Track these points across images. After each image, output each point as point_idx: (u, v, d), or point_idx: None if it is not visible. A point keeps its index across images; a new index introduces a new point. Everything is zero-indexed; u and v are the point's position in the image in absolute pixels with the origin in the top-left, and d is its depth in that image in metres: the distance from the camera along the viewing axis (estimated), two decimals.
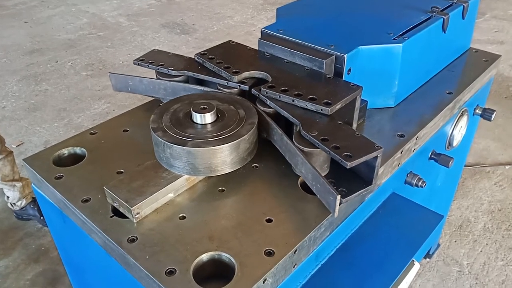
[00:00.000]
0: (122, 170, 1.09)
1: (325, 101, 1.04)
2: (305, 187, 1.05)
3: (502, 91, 3.73)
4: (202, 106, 1.04)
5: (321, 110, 1.02)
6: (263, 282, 0.84)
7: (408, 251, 1.06)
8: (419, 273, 2.19)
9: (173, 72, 1.24)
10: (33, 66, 4.25)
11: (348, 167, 0.91)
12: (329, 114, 1.02)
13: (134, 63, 1.32)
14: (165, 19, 5.29)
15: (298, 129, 1.02)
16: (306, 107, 1.05)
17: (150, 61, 1.29)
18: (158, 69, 1.26)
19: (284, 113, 1.05)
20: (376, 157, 0.95)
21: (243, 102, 1.12)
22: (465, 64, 1.59)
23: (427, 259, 2.26)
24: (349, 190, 0.98)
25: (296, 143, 0.99)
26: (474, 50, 1.67)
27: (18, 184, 2.46)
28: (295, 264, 0.93)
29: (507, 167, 2.89)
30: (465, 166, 2.89)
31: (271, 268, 0.85)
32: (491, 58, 1.63)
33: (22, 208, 2.51)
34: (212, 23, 5.20)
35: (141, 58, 1.31)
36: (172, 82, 1.23)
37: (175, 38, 4.80)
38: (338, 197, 0.89)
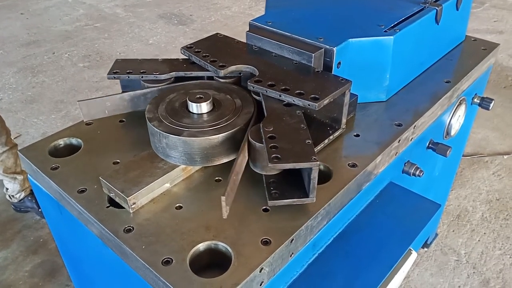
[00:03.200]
0: (118, 161, 1.08)
1: (312, 96, 1.02)
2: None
3: (501, 81, 3.72)
4: (198, 96, 1.03)
5: (308, 105, 1.00)
6: (260, 271, 0.84)
7: (405, 240, 1.06)
8: (417, 263, 2.20)
9: (162, 77, 1.17)
10: (30, 57, 4.23)
11: (256, 167, 0.92)
12: (317, 109, 1.00)
13: (109, 78, 1.18)
14: (162, 9, 5.26)
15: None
16: (293, 102, 1.03)
17: (127, 71, 1.18)
18: (142, 77, 1.17)
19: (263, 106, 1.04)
20: (311, 170, 0.89)
21: (240, 91, 1.11)
22: (463, 53, 1.58)
23: (425, 249, 2.26)
24: (283, 195, 0.94)
25: (250, 136, 0.96)
26: (472, 39, 1.66)
27: (20, 177, 2.46)
28: (292, 253, 0.93)
29: (505, 156, 2.90)
30: (464, 156, 2.89)
31: (267, 257, 0.85)
32: (490, 47, 1.62)
33: (20, 200, 2.51)
34: (210, 13, 5.16)
35: (114, 71, 1.19)
36: (166, 86, 1.16)
37: (173, 29, 4.77)
38: (222, 198, 0.84)
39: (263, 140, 0.92)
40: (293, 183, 0.95)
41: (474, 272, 2.16)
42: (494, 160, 2.87)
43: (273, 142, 0.91)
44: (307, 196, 0.92)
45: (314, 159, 0.87)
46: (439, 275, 2.15)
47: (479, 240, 2.33)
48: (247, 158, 0.97)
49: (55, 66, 4.07)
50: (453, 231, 2.38)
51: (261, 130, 0.95)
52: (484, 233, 2.37)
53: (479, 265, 2.20)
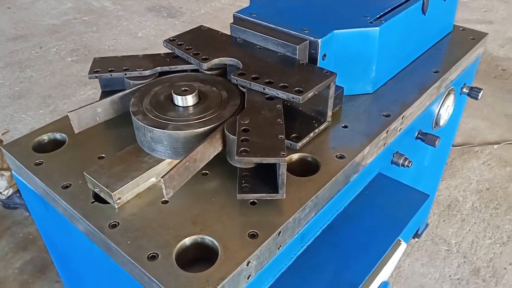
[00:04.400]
0: (103, 155, 1.06)
1: (296, 89, 1.00)
2: (290, 169, 1.04)
3: (491, 71, 3.73)
4: (183, 88, 1.01)
5: (292, 98, 0.99)
6: (247, 265, 0.83)
7: (393, 231, 1.06)
8: (408, 253, 2.21)
9: (146, 72, 1.14)
10: (17, 52, 4.17)
11: (231, 160, 0.92)
12: (301, 102, 0.99)
13: (90, 77, 1.15)
14: (151, 2, 5.20)
15: None
16: (277, 95, 1.02)
17: (109, 69, 1.15)
18: (125, 74, 1.14)
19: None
20: (279, 166, 0.88)
21: (226, 83, 1.09)
22: (451, 43, 1.58)
23: (416, 239, 2.27)
24: (253, 189, 0.92)
25: (226, 128, 0.95)
26: (461, 29, 1.65)
27: (6, 173, 2.43)
28: (280, 246, 0.92)
29: (495, 146, 2.91)
30: (454, 146, 2.90)
31: (254, 251, 0.84)
32: (478, 36, 1.61)
33: (8, 197, 2.48)
34: (199, 5, 5.12)
35: (95, 70, 1.16)
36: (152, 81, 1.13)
37: (162, 22, 4.73)
38: (161, 179, 0.82)
39: (235, 133, 0.91)
40: (266, 178, 0.94)
41: (464, 261, 2.18)
42: (484, 149, 2.88)
43: (245, 135, 0.90)
44: (277, 192, 0.91)
45: (283, 154, 0.86)
46: (430, 265, 2.16)
47: (469, 230, 2.34)
48: (218, 148, 0.95)
49: (43, 61, 4.02)
50: (444, 221, 2.39)
51: (237, 123, 0.94)
52: (475, 223, 2.38)
53: (470, 254, 2.21)
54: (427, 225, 2.33)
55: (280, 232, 0.89)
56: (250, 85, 1.04)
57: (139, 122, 0.96)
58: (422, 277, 2.11)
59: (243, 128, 0.92)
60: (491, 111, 3.24)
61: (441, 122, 1.54)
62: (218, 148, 0.95)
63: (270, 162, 0.86)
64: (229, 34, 1.26)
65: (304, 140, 1.09)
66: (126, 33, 4.50)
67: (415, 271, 2.14)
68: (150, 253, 0.84)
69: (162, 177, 0.81)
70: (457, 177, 2.67)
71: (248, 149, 0.86)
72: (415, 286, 2.07)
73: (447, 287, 2.06)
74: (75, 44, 4.29)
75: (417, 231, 2.24)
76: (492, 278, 2.11)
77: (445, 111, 1.52)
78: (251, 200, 0.95)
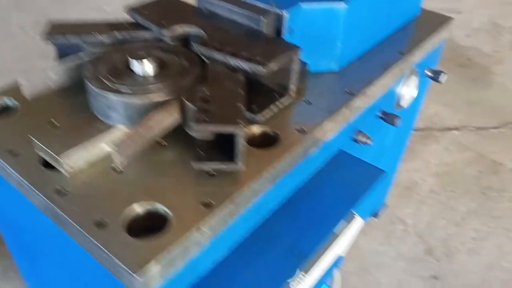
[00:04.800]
0: (55, 122, 1.02)
1: (260, 60, 0.99)
2: (249, 140, 1.03)
3: (456, 59, 3.81)
4: (141, 54, 0.98)
5: (255, 69, 0.97)
6: (199, 232, 0.82)
7: (348, 204, 1.07)
8: (366, 232, 2.26)
9: (105, 40, 1.09)
10: None
11: (189, 130, 0.91)
12: (264, 73, 0.97)
13: (45, 40, 1.08)
14: None
15: None
16: (239, 66, 1.00)
17: (65, 34, 1.08)
18: (82, 40, 1.08)
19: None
20: (237, 135, 0.86)
21: (188, 53, 1.06)
22: (417, 26, 1.59)
23: (374, 218, 2.32)
24: (209, 159, 0.91)
25: (184, 96, 0.92)
26: (427, 12, 1.66)
27: None
28: (235, 215, 0.91)
29: (455, 131, 2.99)
30: (415, 130, 2.97)
31: (207, 219, 0.83)
32: (444, 21, 1.63)
33: None
34: None
35: (50, 33, 1.09)
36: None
37: None
38: (113, 146, 0.81)
39: (195, 101, 0.89)
40: (224, 149, 0.92)
41: (419, 241, 2.25)
42: (445, 134, 2.96)
43: (204, 103, 0.88)
44: (234, 162, 0.89)
45: (240, 124, 0.84)
46: (386, 244, 2.22)
47: (426, 211, 2.41)
48: (177, 118, 0.93)
49: (5, 34, 3.83)
50: (402, 202, 2.45)
51: (196, 92, 0.91)
52: (431, 204, 2.45)
53: (425, 234, 2.28)
54: (386, 205, 2.39)
55: (235, 201, 0.89)
56: (212, 55, 1.01)
57: (93, 87, 0.92)
58: (378, 255, 2.16)
59: (202, 97, 0.90)
60: (453, 98, 3.32)
61: (404, 104, 1.56)
62: (177, 117, 0.93)
63: (228, 131, 0.85)
64: (196, 5, 1.22)
65: (266, 113, 1.07)
66: (93, 8, 4.33)
67: (373, 249, 2.19)
68: (99, 221, 0.81)
69: (114, 144, 0.78)
70: (417, 160, 2.74)
71: (206, 118, 0.84)
72: (372, 263, 2.12)
73: (402, 264, 2.13)
74: (38, 18, 4.10)
75: (376, 211, 2.28)
76: (445, 257, 2.19)
77: (408, 92, 1.54)
78: (209, 171, 0.93)
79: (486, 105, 3.25)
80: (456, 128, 3.01)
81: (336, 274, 1.51)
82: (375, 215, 2.31)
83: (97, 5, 4.38)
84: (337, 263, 1.23)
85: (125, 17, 1.17)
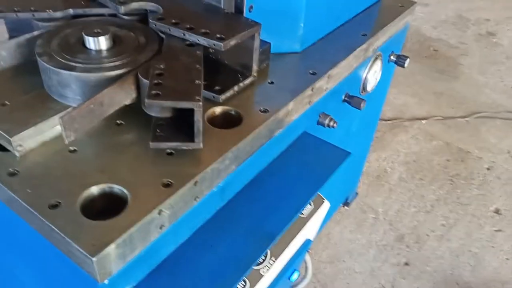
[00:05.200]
0: (6, 102, 0.97)
1: (218, 36, 0.96)
2: (211, 121, 1.00)
3: (423, 51, 3.87)
4: (95, 30, 0.94)
5: (214, 45, 0.95)
6: (159, 214, 0.79)
7: (314, 185, 1.06)
8: (337, 220, 2.26)
9: (57, 14, 1.04)
10: None
11: (146, 108, 0.90)
12: (223, 49, 0.95)
13: None
14: None
15: None
16: (197, 41, 0.97)
17: (15, 10, 1.03)
18: (33, 15, 1.04)
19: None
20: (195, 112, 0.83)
21: (145, 29, 1.03)
22: (381, 10, 1.59)
23: (346, 207, 2.33)
24: (167, 138, 0.88)
25: (139, 73, 0.90)
26: None
27: None
28: (197, 197, 0.88)
29: (423, 121, 3.03)
30: (384, 120, 3.00)
31: (167, 199, 0.80)
32: (407, 4, 1.64)
33: None
34: None
35: None
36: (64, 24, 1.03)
37: None
38: (59, 120, 0.77)
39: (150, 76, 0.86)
40: (183, 128, 0.89)
41: (390, 228, 2.27)
42: (413, 124, 3.00)
43: (159, 78, 0.85)
44: (193, 140, 0.87)
45: (197, 99, 0.81)
46: (357, 232, 2.23)
47: (396, 199, 2.43)
48: (131, 94, 0.90)
49: None
50: (372, 190, 2.47)
51: (151, 67, 0.88)
52: (401, 192, 2.48)
53: (395, 221, 2.30)
54: (356, 194, 2.40)
55: (196, 182, 0.86)
56: (169, 30, 0.98)
57: (45, 63, 0.88)
58: (350, 243, 2.17)
59: (157, 72, 0.87)
60: (420, 89, 3.37)
61: (369, 87, 1.56)
62: (131, 94, 0.89)
63: (184, 107, 0.82)
64: None
65: (228, 93, 1.05)
66: None
67: (344, 237, 2.19)
68: (52, 202, 0.77)
69: (60, 118, 0.74)
70: (387, 150, 2.76)
71: (160, 93, 0.81)
72: (343, 251, 2.13)
73: (373, 252, 2.14)
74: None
75: (346, 199, 2.29)
76: (415, 244, 2.21)
77: (373, 76, 1.54)
78: (168, 151, 0.90)
79: (453, 96, 3.31)
80: (424, 118, 3.06)
81: (308, 260, 1.50)
82: (346, 203, 2.32)
83: None
84: (306, 247, 1.22)
85: None
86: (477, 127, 3.02)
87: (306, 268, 1.55)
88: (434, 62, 3.72)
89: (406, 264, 2.11)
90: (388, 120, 3.00)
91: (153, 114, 0.92)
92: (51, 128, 0.89)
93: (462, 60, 3.76)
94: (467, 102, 3.26)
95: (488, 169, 2.69)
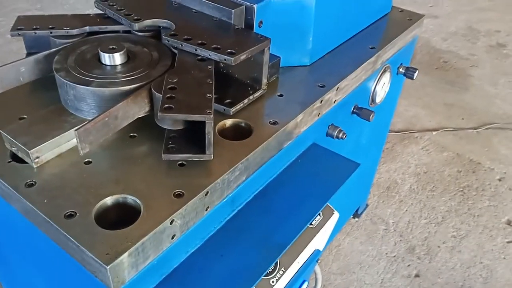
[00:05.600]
0: (25, 116, 1.01)
1: (229, 51, 0.99)
2: (222, 133, 1.03)
3: (433, 62, 3.87)
4: (110, 46, 0.97)
5: (225, 60, 0.98)
6: (171, 223, 0.82)
7: (323, 196, 1.07)
8: (347, 232, 2.26)
9: (74, 31, 1.09)
10: None
11: (159, 121, 0.94)
12: (233, 64, 0.97)
13: (13, 35, 1.10)
14: None
15: None
16: (209, 56, 1.00)
17: (34, 27, 1.09)
18: (51, 33, 1.08)
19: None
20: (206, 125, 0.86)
21: (158, 45, 1.06)
22: (389, 23, 1.61)
23: (356, 219, 2.33)
24: (179, 150, 0.91)
25: (153, 87, 0.93)
26: (399, 10, 1.69)
27: None
28: (208, 207, 0.90)
29: (434, 133, 3.03)
30: (395, 132, 3.00)
31: (179, 209, 0.82)
32: (415, 18, 1.66)
33: None
34: None
35: (18, 27, 1.10)
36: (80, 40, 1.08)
37: None
38: (75, 132, 0.81)
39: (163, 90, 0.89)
40: (194, 140, 0.92)
41: (401, 240, 2.26)
42: (423, 136, 2.99)
43: (172, 92, 0.88)
44: (204, 152, 0.89)
45: (208, 112, 0.84)
46: (368, 243, 2.22)
47: (406, 210, 2.43)
48: (145, 108, 0.93)
49: None
50: (383, 202, 2.46)
51: (164, 81, 0.91)
52: (412, 204, 2.47)
53: (406, 233, 2.30)
54: (367, 205, 2.40)
55: (207, 193, 0.88)
56: (182, 46, 1.01)
57: (62, 79, 0.92)
58: (360, 255, 2.16)
59: (170, 86, 0.90)
60: (431, 100, 3.37)
61: (377, 99, 1.58)
62: (144, 107, 0.92)
63: (195, 120, 0.84)
64: None
65: (238, 106, 1.08)
66: (73, 11, 4.31)
67: (354, 249, 2.19)
68: (68, 212, 0.80)
69: (76, 130, 0.77)
70: (397, 161, 2.76)
71: (173, 106, 0.84)
72: (353, 263, 2.12)
73: (383, 264, 2.13)
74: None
75: (357, 210, 2.29)
76: (426, 255, 2.20)
77: (381, 88, 1.56)
78: (179, 162, 0.92)
79: (464, 107, 3.30)
80: (435, 129, 3.05)
81: (318, 271, 1.50)
82: (356, 215, 2.32)
83: (76, 8, 4.36)
84: (315, 257, 1.23)
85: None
86: (488, 138, 3.00)
87: (316, 279, 1.55)
88: (444, 74, 3.72)
89: (417, 276, 2.10)
90: (399, 132, 3.00)
91: (165, 126, 0.95)
92: (67, 140, 0.92)
93: (472, 72, 3.75)
94: (478, 113, 3.25)
95: (499, 180, 2.67)
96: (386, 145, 2.87)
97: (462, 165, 2.77)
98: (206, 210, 0.91)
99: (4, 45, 3.70)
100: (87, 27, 1.09)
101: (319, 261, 2.05)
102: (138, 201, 0.83)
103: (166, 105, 0.84)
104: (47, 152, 0.89)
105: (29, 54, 1.15)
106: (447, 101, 3.37)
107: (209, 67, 0.98)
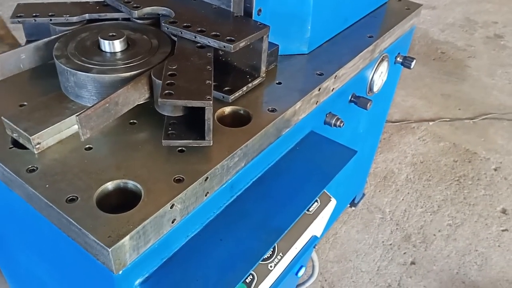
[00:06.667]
0: (25, 103, 1.01)
1: (228, 38, 1.00)
2: (221, 120, 1.04)
3: (431, 53, 3.88)
4: (110, 34, 0.98)
5: (224, 47, 0.99)
6: (171, 208, 0.83)
7: (321, 183, 1.08)
8: (344, 221, 2.28)
9: (74, 19, 1.09)
10: None
11: (159, 108, 0.94)
12: (232, 51, 0.98)
13: (13, 22, 1.10)
14: None
15: None
16: (208, 43, 1.01)
17: (33, 15, 1.10)
18: (51, 20, 1.09)
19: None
20: (204, 110, 0.87)
21: (158, 32, 1.07)
22: (387, 12, 1.62)
23: (353, 208, 2.35)
24: (179, 136, 0.92)
25: (153, 73, 0.94)
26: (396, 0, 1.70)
27: None
28: (207, 192, 0.92)
29: (430, 123, 3.04)
30: (392, 122, 3.01)
31: (179, 194, 0.84)
32: (413, 7, 1.66)
33: None
34: None
35: (18, 15, 1.11)
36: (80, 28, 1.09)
37: None
38: (76, 118, 0.82)
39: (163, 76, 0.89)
40: (193, 126, 0.93)
41: (397, 229, 2.28)
42: (420, 126, 3.01)
43: (171, 79, 0.89)
44: (204, 138, 0.90)
45: (208, 98, 0.85)
46: (364, 232, 2.25)
47: (402, 199, 2.45)
48: (144, 94, 0.94)
49: None
50: (379, 191, 2.49)
51: (164, 68, 0.92)
52: (408, 193, 2.49)
53: (402, 222, 2.32)
54: (363, 194, 2.42)
55: (207, 178, 0.89)
56: (181, 33, 1.02)
57: (62, 65, 0.92)
58: (357, 243, 2.19)
59: (169, 73, 0.90)
60: (428, 91, 3.38)
61: (375, 88, 1.59)
62: (144, 94, 0.93)
63: (195, 105, 0.85)
64: None
65: (237, 94, 1.09)
66: None
67: (351, 237, 2.21)
68: (69, 196, 0.81)
69: (77, 115, 0.78)
70: (394, 151, 2.78)
71: (173, 92, 0.85)
72: (350, 251, 2.15)
73: (379, 251, 2.16)
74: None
75: (353, 200, 2.31)
76: (422, 243, 2.22)
77: (379, 77, 1.57)
78: (179, 148, 0.94)
79: (461, 98, 3.32)
80: (432, 120, 3.07)
81: (315, 259, 1.53)
82: (353, 204, 2.34)
83: None
84: (312, 243, 1.25)
85: None
86: (484, 129, 3.02)
87: (313, 266, 1.57)
88: (441, 65, 3.73)
89: (413, 263, 2.13)
90: (396, 122, 3.01)
91: (165, 113, 0.96)
92: (68, 127, 0.93)
93: (469, 63, 3.76)
94: (474, 104, 3.27)
95: (495, 169, 2.69)
96: (383, 135, 2.88)
97: (458, 155, 2.79)
98: (206, 195, 0.92)
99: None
100: (87, 14, 1.10)
101: (316, 249, 2.08)
102: (138, 186, 0.84)
103: (166, 91, 0.85)
104: (48, 138, 0.90)
105: (28, 42, 1.15)
106: (444, 91, 3.38)
107: (208, 54, 0.99)
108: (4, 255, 1.34)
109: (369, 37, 1.42)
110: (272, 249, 1.08)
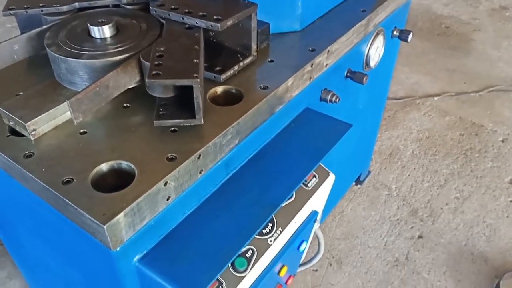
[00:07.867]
0: (21, 93, 1.04)
1: (215, 17, 1.00)
2: (213, 100, 1.05)
3: (435, 28, 3.83)
4: (99, 20, 0.99)
5: (211, 26, 0.99)
6: (164, 185, 0.85)
7: (316, 156, 1.09)
8: (350, 199, 2.29)
9: (64, 8, 1.11)
10: None
11: (150, 90, 0.94)
12: (220, 30, 0.99)
13: (5, 15, 1.12)
14: None
15: None
16: (196, 24, 1.02)
17: (25, 6, 1.11)
18: (42, 10, 1.11)
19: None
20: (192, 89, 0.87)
21: (147, 17, 1.08)
22: None
23: (358, 186, 2.36)
24: (170, 116, 0.93)
25: (142, 56, 0.95)
26: None
27: None
28: (201, 170, 0.94)
29: (435, 98, 3.02)
30: (396, 99, 3.00)
31: (172, 172, 0.86)
32: None
33: None
34: None
35: (10, 7, 1.12)
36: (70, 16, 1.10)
37: None
38: (68, 102, 0.83)
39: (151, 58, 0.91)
40: (185, 106, 0.94)
41: (403, 204, 2.29)
42: (425, 101, 2.99)
43: (159, 60, 0.90)
44: (195, 117, 0.91)
45: (195, 76, 0.86)
46: (371, 208, 2.26)
47: (409, 175, 2.45)
48: (135, 77, 0.95)
49: None
50: (385, 168, 2.49)
51: (152, 49, 0.93)
52: (414, 169, 2.49)
53: (409, 197, 2.32)
54: (369, 172, 2.42)
55: (200, 156, 0.91)
56: (169, 15, 1.03)
57: (53, 53, 0.94)
58: (363, 220, 2.20)
59: (158, 54, 0.92)
60: (433, 66, 3.35)
61: (372, 63, 1.58)
62: (135, 77, 0.95)
63: (183, 84, 0.87)
64: None
65: (228, 73, 1.09)
66: None
67: (357, 214, 2.23)
68: (65, 179, 0.83)
69: (68, 100, 0.80)
70: (399, 128, 2.77)
71: (160, 72, 0.86)
72: (356, 228, 2.16)
73: (386, 227, 2.17)
74: None
75: (359, 177, 2.32)
76: (429, 217, 2.23)
77: (375, 51, 1.56)
78: (172, 128, 0.95)
79: (466, 72, 3.28)
80: (437, 95, 3.05)
81: (320, 236, 1.54)
82: (358, 182, 2.34)
83: None
84: (312, 218, 1.26)
85: None
86: (491, 101, 2.99)
87: (318, 244, 1.59)
88: (446, 40, 3.68)
89: (420, 237, 2.13)
90: (400, 99, 3.00)
91: (156, 94, 0.97)
92: (62, 113, 0.95)
93: (474, 36, 3.71)
94: (480, 77, 3.23)
95: (502, 141, 2.67)
96: (387, 112, 2.87)
97: (465, 128, 2.77)
98: (200, 173, 0.94)
99: (5, 34, 3.73)
100: (77, 3, 1.11)
101: (322, 228, 2.09)
102: (132, 166, 0.86)
103: (154, 72, 0.86)
104: (44, 124, 0.92)
105: (22, 34, 1.17)
106: (449, 66, 3.35)
107: (196, 34, 1.00)
108: (13, 244, 1.38)
109: (362, 11, 1.42)
110: (271, 224, 1.10)
